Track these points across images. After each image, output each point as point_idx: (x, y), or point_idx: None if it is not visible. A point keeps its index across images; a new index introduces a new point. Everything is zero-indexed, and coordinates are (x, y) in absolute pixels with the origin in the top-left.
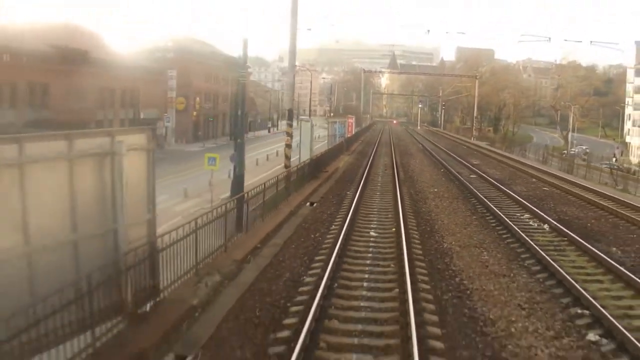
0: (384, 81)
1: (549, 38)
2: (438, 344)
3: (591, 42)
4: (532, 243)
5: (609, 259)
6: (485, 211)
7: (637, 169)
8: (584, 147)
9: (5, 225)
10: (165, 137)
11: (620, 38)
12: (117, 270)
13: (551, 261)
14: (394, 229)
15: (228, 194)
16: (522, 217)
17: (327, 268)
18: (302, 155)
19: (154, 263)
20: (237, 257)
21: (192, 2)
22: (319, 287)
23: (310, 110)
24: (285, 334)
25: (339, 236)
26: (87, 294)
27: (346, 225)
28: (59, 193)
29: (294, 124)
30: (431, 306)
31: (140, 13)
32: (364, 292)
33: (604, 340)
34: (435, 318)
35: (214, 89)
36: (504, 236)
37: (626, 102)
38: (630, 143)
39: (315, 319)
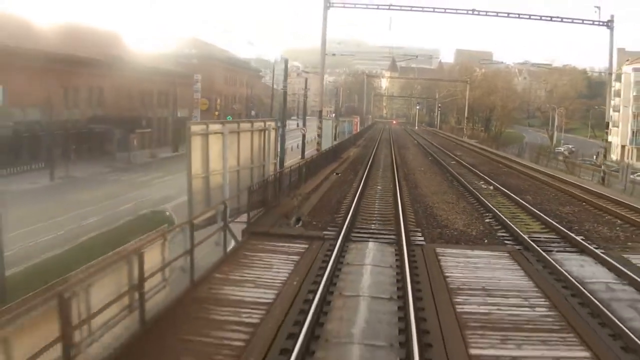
0: (384, 83)
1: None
2: (412, 222)
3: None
4: (475, 192)
5: (520, 199)
6: (453, 180)
7: (610, 163)
8: (570, 146)
9: (232, 157)
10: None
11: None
12: (265, 183)
13: (483, 198)
14: (391, 186)
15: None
16: (477, 182)
17: (357, 191)
18: (324, 145)
19: (280, 181)
20: (305, 192)
21: (212, 13)
22: (355, 197)
23: (321, 112)
24: (341, 214)
25: (358, 188)
26: (253, 191)
27: (361, 184)
28: (248, 146)
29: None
30: (410, 210)
31: (168, 23)
32: (376, 207)
33: (494, 222)
34: (412, 216)
35: (232, 91)
36: (460, 190)
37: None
38: (611, 142)
39: (356, 202)
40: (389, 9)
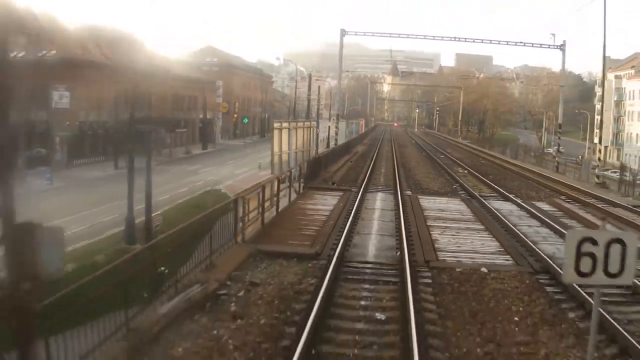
0: (386, 87)
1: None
2: (405, 186)
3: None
4: (453, 173)
5: (483, 178)
6: (438, 167)
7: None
8: (560, 147)
9: (293, 145)
10: (215, 135)
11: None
12: (312, 160)
13: (457, 177)
14: (392, 170)
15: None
16: (457, 169)
17: (368, 169)
18: (339, 141)
19: (319, 161)
20: (330, 171)
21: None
22: (367, 173)
23: (330, 114)
24: (358, 182)
25: (368, 169)
26: (302, 168)
27: (370, 168)
28: (301, 137)
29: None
30: (404, 181)
31: (190, 33)
32: (381, 180)
33: (459, 188)
34: (405, 184)
35: (248, 95)
36: (442, 172)
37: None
38: (596, 143)
39: (368, 175)
40: (389, 36)
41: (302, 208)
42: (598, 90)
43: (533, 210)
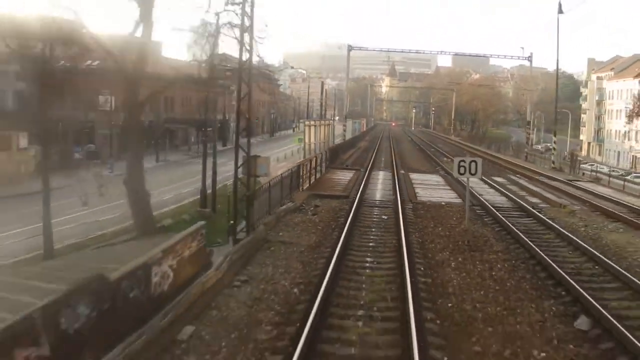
0: (384, 88)
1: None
2: (401, 168)
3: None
4: (438, 161)
5: None
6: (429, 157)
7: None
8: (547, 144)
9: (319, 137)
10: (230, 134)
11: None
12: (329, 150)
13: (441, 163)
14: (390, 158)
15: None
16: (442, 158)
17: (371, 158)
18: (347, 137)
19: (336, 150)
20: (343, 158)
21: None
22: (370, 160)
23: (333, 114)
24: (366, 164)
25: (372, 157)
26: (330, 151)
27: (373, 157)
28: (323, 132)
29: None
30: (399, 165)
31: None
32: (382, 162)
33: (440, 169)
34: (400, 165)
35: (258, 97)
36: (429, 160)
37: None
38: (582, 140)
39: (372, 162)
40: (388, 51)
41: (330, 178)
42: (583, 90)
43: (489, 181)
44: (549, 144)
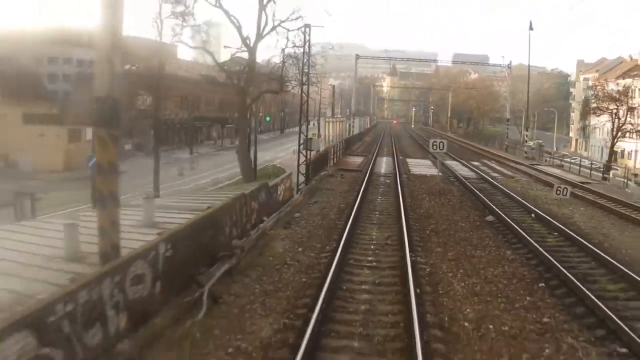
0: (385, 87)
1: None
2: (400, 156)
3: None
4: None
5: (450, 153)
6: (424, 149)
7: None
8: (539, 141)
9: (334, 130)
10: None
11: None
12: (344, 141)
13: (435, 157)
14: (392, 149)
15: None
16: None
17: (376, 148)
18: (355, 132)
19: (349, 141)
20: (353, 148)
21: None
22: (376, 150)
23: (354, 114)
24: (372, 152)
25: (376, 148)
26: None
27: (377, 148)
28: (339, 127)
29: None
30: (399, 154)
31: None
32: (385, 151)
33: (431, 157)
34: (399, 154)
35: (268, 97)
36: (424, 151)
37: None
38: (571, 136)
39: (377, 151)
40: (389, 59)
41: (346, 161)
42: (572, 90)
43: (466, 163)
44: (540, 141)
